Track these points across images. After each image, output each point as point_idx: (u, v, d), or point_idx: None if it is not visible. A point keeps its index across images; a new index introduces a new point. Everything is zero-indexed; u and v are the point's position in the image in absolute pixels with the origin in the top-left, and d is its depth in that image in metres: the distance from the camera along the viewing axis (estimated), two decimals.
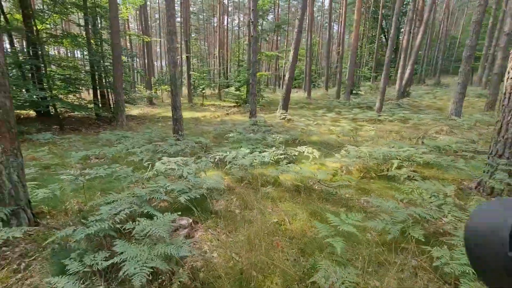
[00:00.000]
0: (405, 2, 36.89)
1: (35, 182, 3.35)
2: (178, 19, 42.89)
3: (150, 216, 2.38)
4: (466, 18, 41.15)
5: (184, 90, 26.07)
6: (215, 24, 42.50)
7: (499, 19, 19.88)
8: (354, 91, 19.28)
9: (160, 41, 39.96)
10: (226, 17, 34.71)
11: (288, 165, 3.89)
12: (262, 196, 3.36)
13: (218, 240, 2.45)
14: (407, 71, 15.76)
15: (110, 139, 7.10)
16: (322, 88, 32.68)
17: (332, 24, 28.82)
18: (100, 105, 12.21)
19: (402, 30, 37.70)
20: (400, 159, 3.85)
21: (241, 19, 46.22)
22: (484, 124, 7.96)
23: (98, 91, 12.53)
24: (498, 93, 10.98)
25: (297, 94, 26.00)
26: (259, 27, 19.90)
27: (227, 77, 31.31)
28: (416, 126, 8.54)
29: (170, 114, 15.52)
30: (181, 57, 25.74)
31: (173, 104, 7.33)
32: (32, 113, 11.81)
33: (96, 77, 12.33)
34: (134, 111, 16.42)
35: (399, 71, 14.69)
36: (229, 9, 41.35)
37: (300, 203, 3.17)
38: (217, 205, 3.22)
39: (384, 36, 37.19)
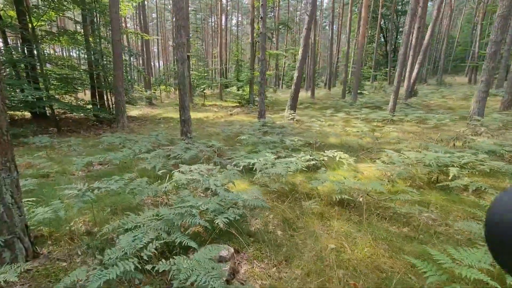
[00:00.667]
0: (404, 1, 36.70)
1: (33, 198, 2.80)
2: None
3: (184, 248, 1.85)
4: (464, 17, 41.12)
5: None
6: (213, 24, 42.04)
7: None
8: (358, 91, 18.87)
9: (158, 40, 39.38)
10: (225, 17, 34.18)
11: (325, 173, 3.38)
12: (304, 212, 2.85)
13: (269, 276, 1.93)
14: (415, 70, 15.37)
15: (113, 142, 6.53)
16: (322, 88, 32.31)
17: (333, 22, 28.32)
18: (99, 105, 11.60)
19: (401, 29, 37.59)
20: (457, 166, 3.36)
21: (239, 18, 45.87)
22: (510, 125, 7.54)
23: (97, 91, 11.93)
24: None
25: (299, 94, 25.50)
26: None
27: (226, 77, 30.85)
28: (438, 127, 8.09)
29: (171, 115, 15.08)
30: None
31: (181, 104, 6.79)
32: (27, 114, 11.19)
33: (95, 76, 11.73)
34: (133, 111, 15.81)
35: (408, 69, 14.28)
36: (227, 8, 40.80)
37: (353, 222, 2.67)
38: (253, 224, 2.70)
39: (383, 35, 36.96)
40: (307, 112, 14.12)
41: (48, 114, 11.18)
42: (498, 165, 3.27)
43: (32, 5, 11.67)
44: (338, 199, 2.76)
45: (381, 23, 33.95)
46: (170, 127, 11.35)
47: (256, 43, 18.39)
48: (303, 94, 25.12)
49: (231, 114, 14.82)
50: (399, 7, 36.36)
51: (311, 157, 4.17)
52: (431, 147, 4.31)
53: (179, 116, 6.78)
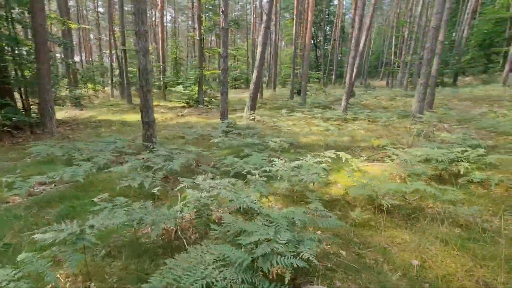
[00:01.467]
0: (328, 13, 40.50)
1: None
2: (101, 9, 37.40)
3: None
4: (375, 30, 48.01)
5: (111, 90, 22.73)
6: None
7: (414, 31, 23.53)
8: (301, 93, 19.83)
9: (79, 31, 34.22)
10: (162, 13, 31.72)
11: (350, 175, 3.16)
12: (355, 224, 2.54)
13: None
14: (354, 73, 16.93)
15: (54, 153, 5.05)
16: (265, 88, 33.03)
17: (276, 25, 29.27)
18: (14, 106, 9.10)
19: (328, 36, 41.48)
20: (466, 161, 3.55)
21: (173, 15, 44.00)
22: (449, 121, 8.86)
23: (6, 88, 9.33)
24: (435, 94, 12.58)
25: (245, 95, 25.45)
26: (209, 23, 18.50)
27: (165, 75, 28.83)
28: (391, 125, 8.90)
29: (108, 117, 13.01)
30: (116, 52, 22.24)
31: (143, 104, 5.73)
32: None
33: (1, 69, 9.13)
34: (58, 114, 13.05)
35: (348, 72, 15.61)
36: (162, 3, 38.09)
37: (405, 228, 2.48)
38: None
39: (313, 42, 40.07)
40: (263, 112, 14.01)
41: None
42: (494, 157, 3.59)
43: None
44: (388, 206, 2.53)
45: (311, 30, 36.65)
46: (114, 131, 9.70)
47: (203, 39, 17.47)
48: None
49: (182, 115, 13.64)
50: (326, 17, 39.89)
51: (318, 160, 3.90)
52: (420, 143, 4.58)
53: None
